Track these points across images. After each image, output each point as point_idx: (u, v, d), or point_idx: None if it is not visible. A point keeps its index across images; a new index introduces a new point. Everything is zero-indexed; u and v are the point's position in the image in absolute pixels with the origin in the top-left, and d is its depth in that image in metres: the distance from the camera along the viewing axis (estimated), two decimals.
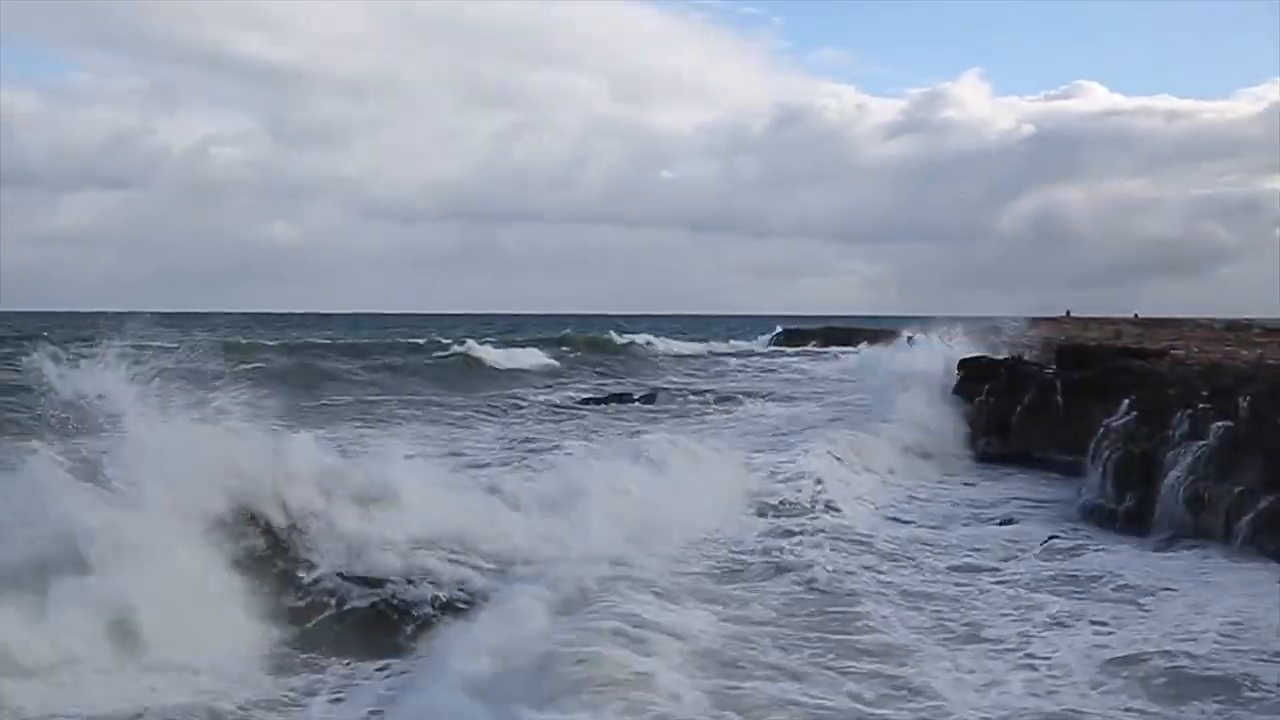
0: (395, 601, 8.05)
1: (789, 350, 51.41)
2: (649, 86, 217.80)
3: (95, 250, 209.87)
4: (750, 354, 49.57)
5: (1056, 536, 11.12)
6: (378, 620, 7.91)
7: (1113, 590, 8.79)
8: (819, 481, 13.03)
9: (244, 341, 37.36)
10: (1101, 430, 13.16)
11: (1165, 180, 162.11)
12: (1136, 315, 41.66)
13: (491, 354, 37.98)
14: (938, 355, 22.16)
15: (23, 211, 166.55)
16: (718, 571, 9.07)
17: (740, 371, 38.90)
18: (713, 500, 11.71)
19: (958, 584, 9.07)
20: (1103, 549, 10.44)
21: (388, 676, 7.05)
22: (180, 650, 6.74)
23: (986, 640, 7.41)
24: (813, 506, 11.94)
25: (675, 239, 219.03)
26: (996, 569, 9.70)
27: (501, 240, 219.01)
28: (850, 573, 9.01)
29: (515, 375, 33.52)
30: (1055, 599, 8.47)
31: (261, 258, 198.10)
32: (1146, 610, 8.11)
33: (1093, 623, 7.76)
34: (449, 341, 42.42)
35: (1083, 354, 17.96)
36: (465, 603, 8.01)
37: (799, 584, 8.59)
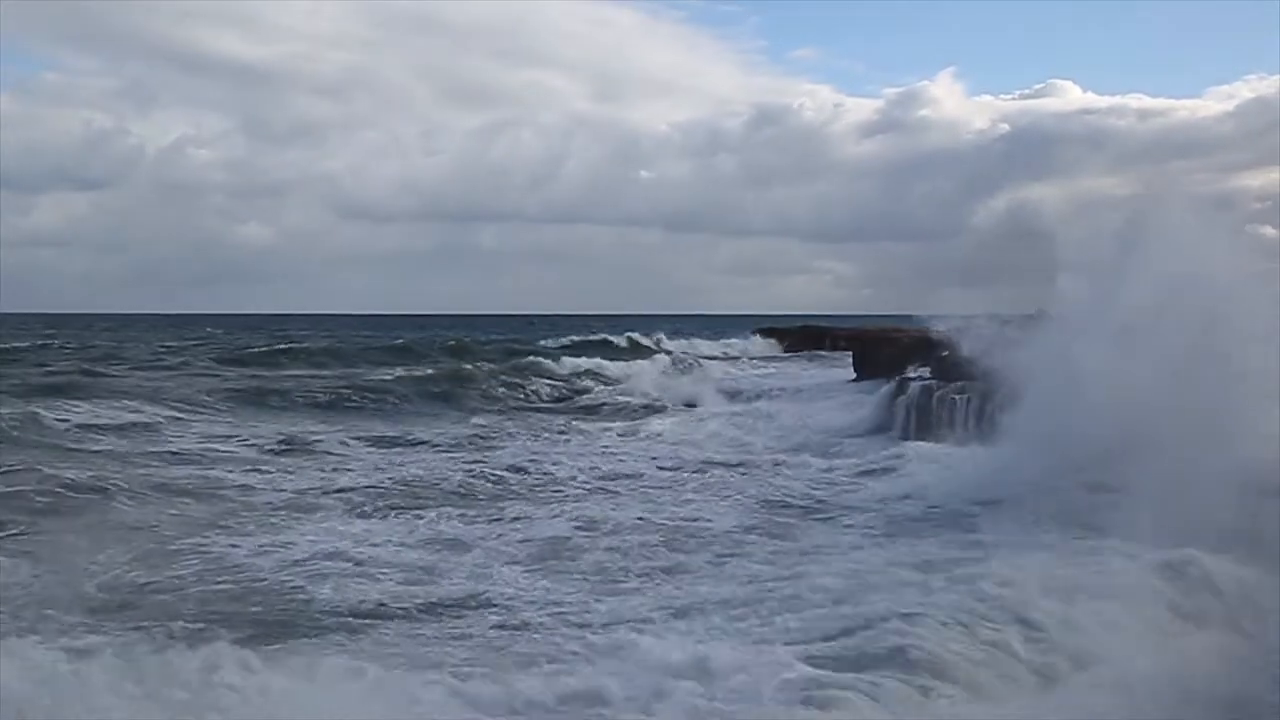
0: None
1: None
2: (627, 85, 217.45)
3: (70, 252, 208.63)
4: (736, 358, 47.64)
5: None
6: None
7: None
8: None
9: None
10: None
11: (1138, 178, 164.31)
12: None
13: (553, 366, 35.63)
14: None
15: None
16: None
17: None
18: None
19: None
20: None
21: None
22: None
23: None
24: None
25: (654, 238, 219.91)
26: None
27: (480, 239, 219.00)
28: None
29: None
30: None
31: (239, 258, 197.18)
32: None
33: None
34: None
35: None
36: None
37: None
